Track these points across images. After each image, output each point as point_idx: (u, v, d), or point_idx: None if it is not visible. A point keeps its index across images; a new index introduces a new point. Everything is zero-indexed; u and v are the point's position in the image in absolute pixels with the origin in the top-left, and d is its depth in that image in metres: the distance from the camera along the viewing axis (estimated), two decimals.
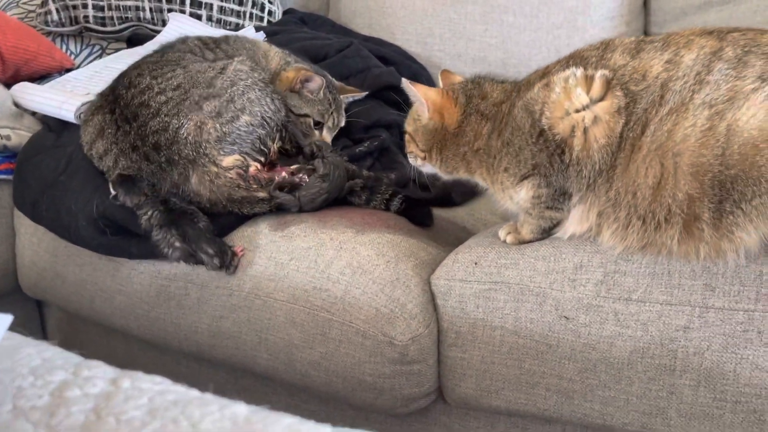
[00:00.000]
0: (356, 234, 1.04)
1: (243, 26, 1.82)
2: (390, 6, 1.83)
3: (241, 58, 1.19)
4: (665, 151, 0.81)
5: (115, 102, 1.15)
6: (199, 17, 1.81)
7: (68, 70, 1.80)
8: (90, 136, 1.17)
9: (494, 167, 0.96)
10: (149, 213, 1.08)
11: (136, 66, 1.21)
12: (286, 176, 1.12)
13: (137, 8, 1.80)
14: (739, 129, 0.77)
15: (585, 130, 0.86)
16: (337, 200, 1.15)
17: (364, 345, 0.96)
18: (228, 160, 1.09)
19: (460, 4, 1.75)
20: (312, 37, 1.60)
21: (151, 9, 1.80)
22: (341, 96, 1.29)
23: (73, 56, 1.87)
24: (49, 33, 1.87)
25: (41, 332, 1.47)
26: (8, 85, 1.52)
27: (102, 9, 1.80)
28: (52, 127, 1.36)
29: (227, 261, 1.06)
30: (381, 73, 1.49)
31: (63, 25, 1.84)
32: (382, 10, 1.85)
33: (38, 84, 1.74)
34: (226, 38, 1.32)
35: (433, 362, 0.97)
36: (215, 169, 1.08)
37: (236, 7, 1.81)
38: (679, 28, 1.63)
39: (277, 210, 1.10)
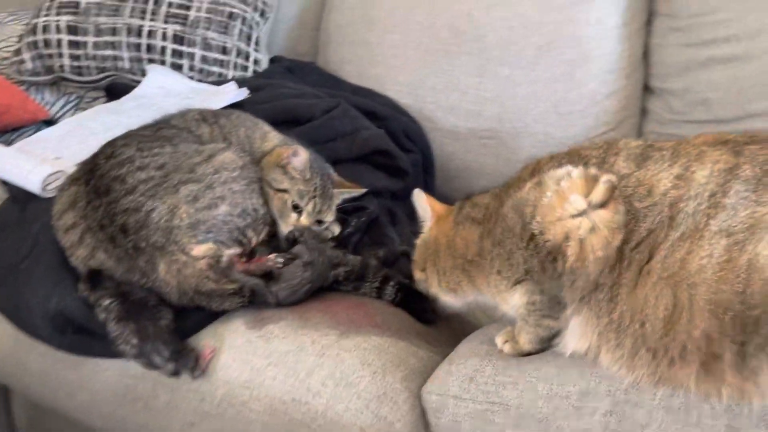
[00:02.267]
0: (340, 337, 0.95)
1: (226, 76, 1.73)
2: (380, 54, 1.74)
3: (235, 146, 1.10)
4: (678, 282, 0.71)
5: (91, 172, 1.06)
6: (180, 67, 1.71)
7: (44, 121, 1.71)
8: (61, 206, 1.07)
9: (487, 269, 0.87)
10: (106, 304, 0.98)
11: (126, 135, 1.11)
12: (261, 265, 1.02)
13: (115, 58, 1.71)
14: (761, 265, 0.67)
15: (580, 240, 0.77)
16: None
17: None
18: (199, 249, 0.99)
19: (454, 55, 1.66)
20: (298, 94, 1.51)
21: (129, 59, 1.71)
22: (337, 190, 1.18)
23: (48, 106, 1.78)
24: (22, 82, 1.77)
25: (6, 417, 1.36)
26: None
27: (78, 58, 1.71)
28: (17, 197, 1.26)
29: (188, 365, 0.95)
30: (370, 137, 1.40)
31: (38, 75, 1.74)
32: (372, 58, 1.77)
33: (10, 135, 1.65)
34: (228, 114, 1.23)
35: None
36: (184, 257, 0.98)
37: (219, 56, 1.72)
38: (682, 85, 1.58)
39: (252, 304, 1.00)
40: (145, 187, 0.99)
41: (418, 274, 0.99)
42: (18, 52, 1.74)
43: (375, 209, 1.28)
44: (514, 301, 0.84)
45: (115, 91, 1.69)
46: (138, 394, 1.02)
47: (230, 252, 1.01)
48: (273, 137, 1.21)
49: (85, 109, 1.68)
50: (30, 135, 1.58)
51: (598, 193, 0.76)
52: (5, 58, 1.82)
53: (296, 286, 1.00)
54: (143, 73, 1.71)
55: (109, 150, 1.07)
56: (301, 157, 1.11)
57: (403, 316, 1.03)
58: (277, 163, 1.13)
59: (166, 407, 1.00)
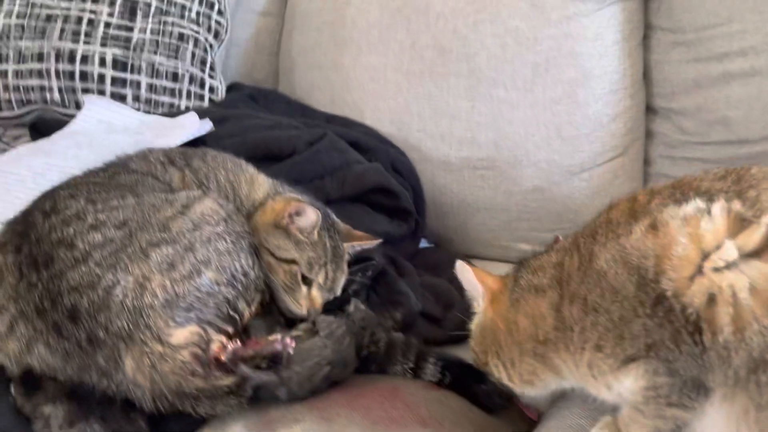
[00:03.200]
0: None
1: (179, 107, 1.47)
2: (356, 79, 1.53)
3: (213, 194, 0.85)
4: None
5: (23, 235, 0.78)
6: (123, 98, 1.44)
7: None
8: None
9: (575, 346, 0.66)
10: (48, 411, 0.71)
11: (70, 183, 0.85)
12: (265, 347, 0.78)
13: (42, 88, 1.42)
14: None
15: (735, 303, 0.57)
16: None
17: None
18: (180, 335, 0.74)
19: (441, 77, 1.47)
20: (272, 125, 1.27)
21: (60, 89, 1.43)
22: (347, 244, 0.95)
23: None
24: None
25: None
26: None
27: None
28: None
29: None
30: (365, 172, 1.18)
31: None
32: (346, 83, 1.55)
33: None
34: (201, 154, 0.97)
35: None
36: (160, 348, 0.72)
37: (170, 84, 1.47)
38: (694, 104, 1.44)
39: (253, 402, 0.75)
40: (103, 254, 0.73)
41: (482, 367, 0.77)
42: None
43: (380, 260, 1.05)
44: (623, 386, 0.63)
45: (43, 128, 1.41)
46: None
47: (220, 335, 0.76)
48: (262, 183, 0.97)
49: (4, 150, 1.38)
50: None
51: (753, 237, 0.57)
52: None
53: (313, 369, 0.76)
54: (78, 106, 1.43)
55: (49, 204, 0.80)
56: (308, 217, 0.87)
57: (455, 401, 0.80)
58: (276, 223, 0.89)
59: None
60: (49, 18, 1.43)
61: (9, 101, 1.42)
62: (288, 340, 0.77)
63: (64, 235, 0.75)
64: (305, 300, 0.87)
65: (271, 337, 0.78)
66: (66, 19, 1.43)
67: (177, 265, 0.74)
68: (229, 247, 0.80)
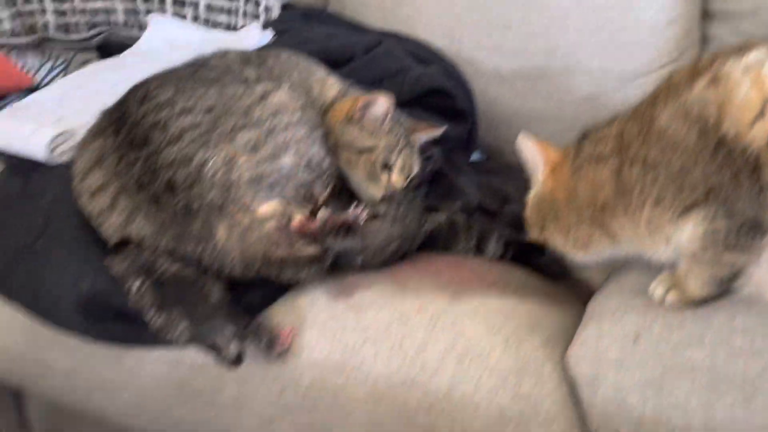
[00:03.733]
0: (451, 301, 0.76)
1: (235, 26, 1.52)
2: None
3: (287, 86, 0.89)
4: None
5: (121, 120, 0.85)
6: (182, 18, 1.49)
7: (29, 91, 1.48)
8: (84, 165, 0.86)
9: (633, 207, 0.70)
10: (137, 284, 0.78)
11: (159, 76, 0.90)
12: (338, 219, 0.83)
13: (107, 11, 1.48)
14: None
15: None
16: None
17: None
18: (264, 208, 0.80)
19: None
20: (329, 36, 1.30)
21: (124, 11, 1.48)
22: (415, 134, 0.99)
23: (32, 72, 1.54)
24: (0, 46, 1.54)
25: (20, 428, 1.16)
26: None
27: (64, 14, 1.48)
28: (16, 168, 1.04)
29: (260, 343, 0.76)
30: (421, 75, 1.21)
31: (18, 36, 1.50)
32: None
33: None
34: (275, 54, 1.01)
35: None
36: (247, 219, 0.79)
37: (227, 4, 1.50)
38: (751, 5, 1.42)
39: (333, 270, 0.81)
40: (193, 135, 0.79)
41: (535, 235, 0.82)
42: None
43: (439, 157, 1.09)
44: (682, 235, 0.67)
45: (109, 49, 1.47)
46: (198, 389, 0.83)
47: (299, 211, 0.82)
48: (333, 84, 1.00)
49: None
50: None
51: None
52: None
53: (383, 242, 0.82)
54: (141, 27, 1.48)
55: (141, 92, 0.86)
56: (381, 105, 0.91)
57: (518, 271, 0.85)
58: (349, 119, 0.93)
59: (236, 402, 0.81)
60: None
61: (76, 24, 1.48)
62: (358, 211, 0.83)
63: (157, 119, 0.81)
64: (386, 185, 0.91)
65: (346, 213, 0.83)
66: None
67: (260, 147, 0.80)
68: (306, 134, 0.85)
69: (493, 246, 0.89)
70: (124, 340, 0.84)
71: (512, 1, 1.45)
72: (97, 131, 0.87)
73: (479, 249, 0.90)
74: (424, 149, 1.06)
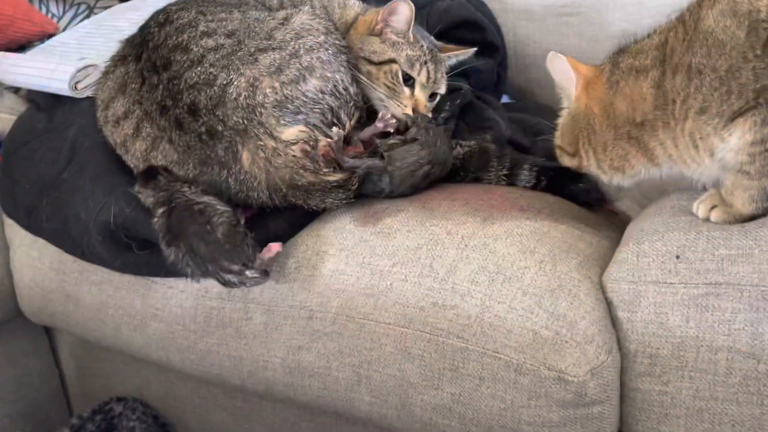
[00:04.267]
0: (483, 224, 0.74)
1: None
2: None
3: (308, 8, 0.86)
4: None
5: (142, 45, 0.83)
6: None
7: (51, 36, 1.47)
8: (108, 93, 0.84)
9: (676, 117, 0.66)
10: (159, 212, 0.76)
11: (180, 1, 0.87)
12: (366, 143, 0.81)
13: None
14: None
15: None
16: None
17: (519, 383, 0.67)
18: (290, 132, 0.77)
19: None
20: None
21: None
22: (443, 54, 0.95)
23: (55, 19, 1.53)
24: None
25: (53, 362, 1.17)
26: None
27: None
28: (41, 105, 1.03)
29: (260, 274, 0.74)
30: (449, 7, 1.16)
31: None
32: None
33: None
34: None
35: (617, 400, 0.67)
36: (272, 143, 0.76)
37: None
38: None
39: (359, 197, 0.79)
40: (216, 56, 0.77)
41: (567, 160, 0.78)
42: None
43: (468, 90, 1.05)
44: (728, 145, 0.63)
45: None
46: (226, 319, 0.82)
47: (325, 137, 0.79)
48: (353, 4, 0.97)
49: None
50: None
51: None
52: None
53: (412, 165, 0.79)
54: None
55: (162, 16, 0.83)
56: (403, 11, 0.87)
57: (551, 198, 0.81)
58: (371, 31, 0.90)
59: (264, 331, 0.80)
60: None
61: None
62: (388, 115, 0.80)
63: (179, 41, 0.78)
64: (409, 101, 0.89)
65: (374, 141, 0.80)
66: None
67: (284, 69, 0.77)
68: (331, 58, 0.82)
69: (525, 174, 0.85)
70: (150, 271, 0.83)
71: None
72: (119, 59, 0.85)
73: (511, 178, 0.86)
74: (452, 85, 1.03)
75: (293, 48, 0.79)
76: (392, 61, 0.88)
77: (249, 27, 0.80)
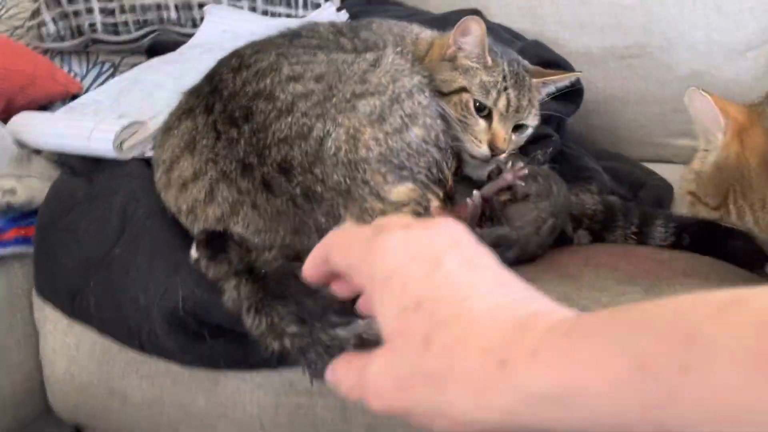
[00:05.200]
0: (647, 295, 0.60)
1: (296, 16, 1.38)
2: None
3: (392, 47, 0.75)
4: None
5: (213, 94, 0.70)
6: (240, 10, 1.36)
7: (74, 97, 1.35)
8: (171, 152, 0.71)
9: None
10: (233, 284, 0.62)
11: (251, 45, 0.76)
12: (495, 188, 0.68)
13: (159, 7, 1.35)
14: None
15: None
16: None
17: None
18: (398, 192, 0.64)
19: None
20: (409, 14, 1.16)
21: (177, 6, 1.35)
22: (536, 80, 0.83)
23: (78, 78, 1.42)
24: (44, 51, 1.41)
25: None
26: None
27: (112, 13, 1.35)
28: (77, 169, 0.90)
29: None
30: (527, 46, 1.07)
31: (63, 39, 1.38)
32: None
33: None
34: (366, 24, 0.88)
35: None
36: (380, 205, 0.63)
37: None
38: None
39: None
40: (307, 104, 0.64)
41: (704, 212, 0.66)
42: (36, 13, 1.38)
43: (557, 137, 0.93)
44: None
45: (161, 50, 1.34)
46: (317, 420, 0.67)
47: (434, 196, 0.66)
48: (426, 36, 0.86)
49: None
50: None
51: None
52: (18, 27, 1.46)
53: (534, 222, 0.66)
54: (194, 24, 1.35)
55: (235, 61, 0.71)
56: (472, 33, 0.76)
57: (707, 259, 0.68)
58: (442, 56, 0.79)
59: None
60: None
61: (126, 23, 1.35)
62: (516, 169, 0.67)
63: (261, 87, 0.66)
64: (485, 134, 0.76)
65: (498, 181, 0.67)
66: None
67: (387, 118, 0.65)
68: (430, 102, 0.70)
69: (660, 232, 0.72)
70: (229, 363, 0.68)
71: None
72: (182, 113, 0.72)
73: (641, 236, 0.73)
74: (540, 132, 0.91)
75: (392, 92, 0.67)
76: (462, 89, 0.76)
77: (338, 70, 0.68)
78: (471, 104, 0.77)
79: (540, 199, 0.67)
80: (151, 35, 1.38)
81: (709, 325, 0.25)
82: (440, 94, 0.78)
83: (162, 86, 1.05)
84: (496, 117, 0.78)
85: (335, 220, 0.62)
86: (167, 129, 0.72)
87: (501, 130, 0.77)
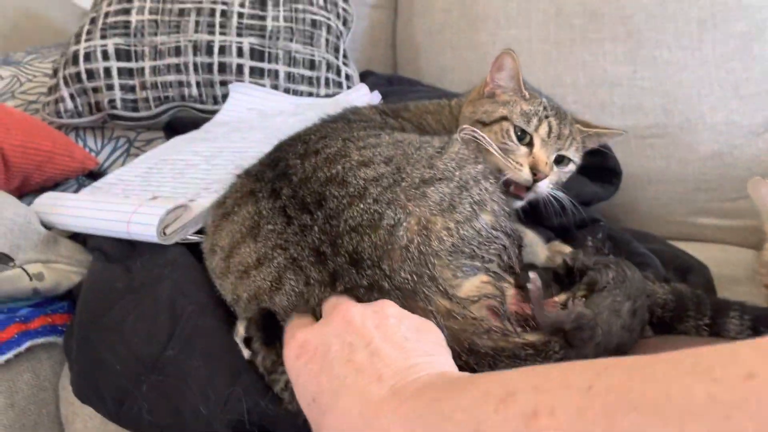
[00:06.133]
0: None
1: (317, 96, 1.38)
2: (495, 55, 1.43)
3: (456, 135, 0.75)
4: None
5: (281, 179, 0.67)
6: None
7: (91, 174, 1.32)
8: (230, 238, 0.67)
9: None
10: (285, 383, 0.59)
11: (312, 131, 0.74)
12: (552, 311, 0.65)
13: (181, 84, 1.34)
14: None
15: None
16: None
17: None
18: (469, 286, 0.61)
19: (595, 43, 1.36)
20: (439, 95, 1.17)
21: (198, 83, 1.35)
22: (579, 126, 0.87)
23: (92, 154, 1.40)
24: (60, 126, 1.39)
25: None
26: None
27: (133, 90, 1.34)
28: (110, 255, 0.86)
29: None
30: None
31: (80, 115, 1.36)
32: (483, 60, 1.45)
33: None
34: (404, 107, 0.88)
35: None
36: (447, 303, 0.60)
37: (307, 73, 1.38)
38: None
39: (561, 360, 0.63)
40: (378, 189, 0.62)
41: None
42: (54, 89, 1.36)
43: (605, 221, 0.92)
44: None
45: (180, 126, 1.32)
46: None
47: (507, 285, 0.64)
48: (460, 99, 0.89)
49: (137, 155, 1.30)
50: (74, 191, 1.20)
51: None
52: (32, 101, 1.44)
53: (611, 306, 0.63)
54: (215, 101, 1.35)
55: (301, 147, 0.69)
56: (506, 67, 0.80)
57: None
58: (481, 94, 0.83)
59: None
60: (182, 12, 1.36)
61: (146, 100, 1.34)
62: (576, 299, 0.65)
63: (333, 173, 0.63)
64: (525, 158, 0.77)
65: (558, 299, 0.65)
66: (199, 11, 1.36)
67: (457, 206, 0.63)
68: (495, 187, 0.68)
69: (735, 324, 0.70)
70: None
71: (617, 56, 1.33)
72: (241, 196, 0.69)
73: (714, 328, 0.71)
74: (588, 217, 0.90)
75: (460, 179, 0.65)
76: (503, 118, 0.79)
77: (405, 153, 0.66)
78: (512, 131, 0.80)
79: (616, 285, 0.65)
80: (171, 111, 1.37)
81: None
82: (482, 124, 0.81)
83: (194, 165, 1.03)
84: (537, 142, 0.80)
85: None
86: (225, 214, 0.68)
87: (542, 155, 0.79)
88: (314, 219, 0.61)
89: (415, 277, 0.59)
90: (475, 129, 0.79)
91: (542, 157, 0.79)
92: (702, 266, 0.96)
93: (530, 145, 0.80)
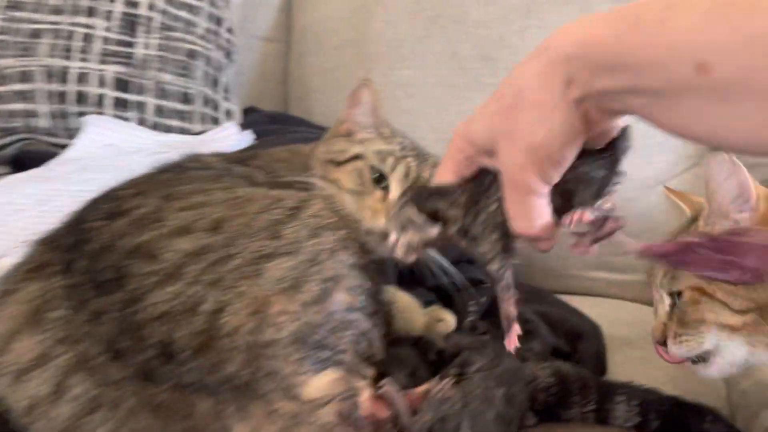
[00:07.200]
0: None
1: (189, 133, 1.25)
2: (388, 97, 1.34)
3: (321, 194, 0.64)
4: None
5: (74, 249, 0.53)
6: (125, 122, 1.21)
7: None
8: (6, 325, 0.51)
9: None
10: None
11: (130, 184, 0.60)
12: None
13: (27, 114, 1.17)
14: None
15: None
16: None
17: None
18: (317, 385, 0.49)
19: (489, 88, 1.29)
20: (316, 132, 1.06)
21: (50, 114, 1.18)
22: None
23: None
24: None
25: None
26: None
27: None
28: None
29: None
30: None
31: None
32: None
33: None
34: (254, 155, 0.75)
35: None
36: (291, 405, 0.48)
37: (180, 107, 1.24)
38: None
39: None
40: (198, 266, 0.49)
41: (726, 320, 0.57)
42: None
43: (491, 282, 0.84)
44: None
45: (29, 161, 1.15)
46: None
47: (362, 381, 0.52)
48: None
49: None
50: None
51: None
52: None
53: (486, 393, 0.54)
54: (70, 135, 1.18)
55: (108, 206, 0.55)
56: (363, 101, 0.71)
57: None
58: (335, 134, 0.73)
59: None
60: (35, 33, 1.20)
61: None
62: (444, 382, 0.55)
63: (139, 242, 0.50)
64: (380, 203, 0.66)
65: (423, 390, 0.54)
66: (56, 34, 1.20)
67: (303, 284, 0.51)
68: (355, 259, 0.57)
69: (622, 410, 0.62)
70: None
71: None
72: (29, 270, 0.54)
73: (601, 414, 0.62)
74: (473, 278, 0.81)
75: (311, 253, 0.53)
76: (357, 157, 0.69)
77: (243, 215, 0.54)
78: (367, 172, 0.69)
79: (490, 369, 0.56)
80: (17, 144, 1.19)
81: None
82: (335, 164, 0.70)
83: (23, 211, 0.87)
84: (394, 185, 0.69)
85: (224, 426, 0.46)
86: (3, 293, 0.53)
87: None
88: (110, 302, 0.47)
89: (249, 371, 0.47)
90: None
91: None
92: (594, 329, 0.89)
93: (387, 189, 0.69)
